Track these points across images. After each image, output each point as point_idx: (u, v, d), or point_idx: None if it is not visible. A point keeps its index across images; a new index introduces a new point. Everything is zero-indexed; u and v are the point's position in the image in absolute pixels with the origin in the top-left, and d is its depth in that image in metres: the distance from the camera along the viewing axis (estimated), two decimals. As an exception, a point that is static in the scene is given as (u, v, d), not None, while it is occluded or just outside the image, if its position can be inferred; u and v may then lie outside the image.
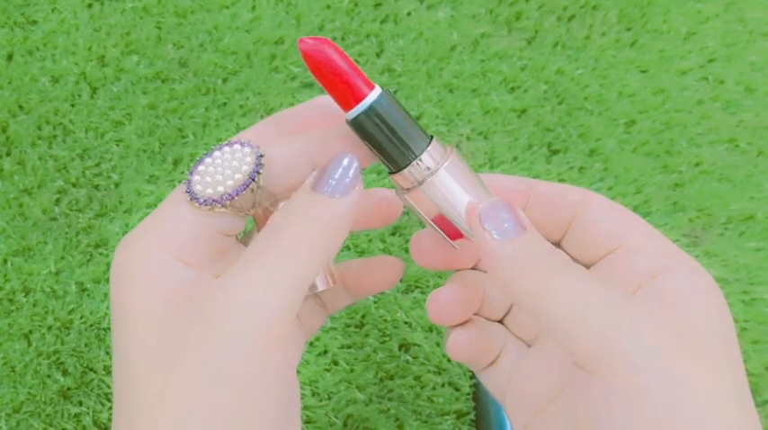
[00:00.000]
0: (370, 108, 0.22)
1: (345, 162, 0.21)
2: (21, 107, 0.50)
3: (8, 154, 0.49)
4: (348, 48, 0.53)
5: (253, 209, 0.23)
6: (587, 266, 0.23)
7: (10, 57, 0.52)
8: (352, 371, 0.44)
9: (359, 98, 0.22)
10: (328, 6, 0.54)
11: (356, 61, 0.53)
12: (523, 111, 0.52)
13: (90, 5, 0.54)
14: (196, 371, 0.19)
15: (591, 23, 0.55)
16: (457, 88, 0.52)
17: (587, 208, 0.24)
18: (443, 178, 0.22)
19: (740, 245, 0.49)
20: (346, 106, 0.22)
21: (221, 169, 0.22)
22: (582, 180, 0.50)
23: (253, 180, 0.21)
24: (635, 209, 0.50)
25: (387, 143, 0.22)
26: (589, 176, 0.50)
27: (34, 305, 0.45)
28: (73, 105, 0.51)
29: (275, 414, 0.20)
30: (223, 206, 0.22)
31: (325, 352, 0.44)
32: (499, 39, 0.54)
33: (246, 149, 0.22)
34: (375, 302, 0.45)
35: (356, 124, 0.22)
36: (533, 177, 0.50)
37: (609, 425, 0.19)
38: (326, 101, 0.23)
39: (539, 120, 0.52)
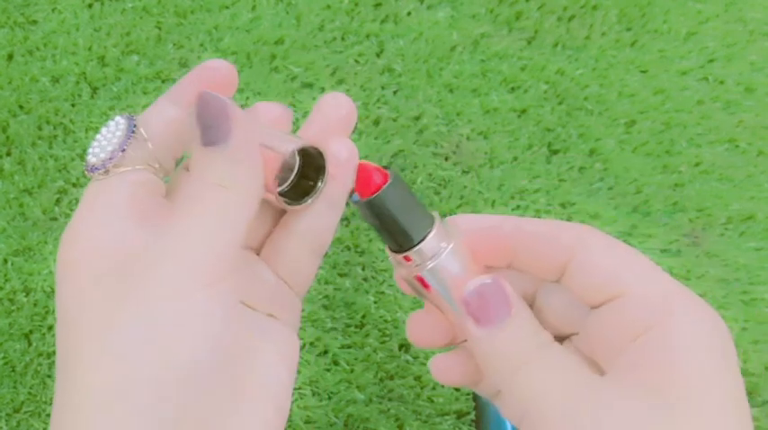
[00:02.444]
0: (381, 193, 0.23)
1: (209, 99, 0.22)
2: (21, 107, 0.50)
3: (8, 154, 0.49)
4: (348, 48, 0.53)
5: (157, 163, 0.25)
6: (592, 306, 0.23)
7: (10, 57, 0.52)
8: (352, 371, 0.44)
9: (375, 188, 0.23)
10: (328, 6, 0.54)
11: (356, 61, 0.53)
12: (523, 111, 0.52)
13: (90, 5, 0.54)
14: (136, 309, 0.20)
15: (591, 23, 0.55)
16: (457, 88, 0.52)
17: (583, 250, 0.23)
18: (445, 263, 0.23)
19: (740, 245, 0.49)
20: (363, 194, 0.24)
21: (103, 139, 0.25)
22: (582, 180, 0.50)
23: (132, 131, 0.24)
24: (635, 209, 0.50)
25: (395, 224, 0.23)
26: (589, 176, 0.50)
27: (34, 305, 0.45)
28: (73, 105, 0.51)
29: (226, 340, 0.21)
30: (120, 161, 0.24)
31: (326, 352, 0.44)
32: (499, 39, 0.54)
33: (118, 119, 0.25)
34: (375, 302, 0.45)
35: (368, 205, 0.23)
36: (533, 177, 0.50)
37: None
38: (211, 64, 0.25)
39: (539, 121, 0.52)
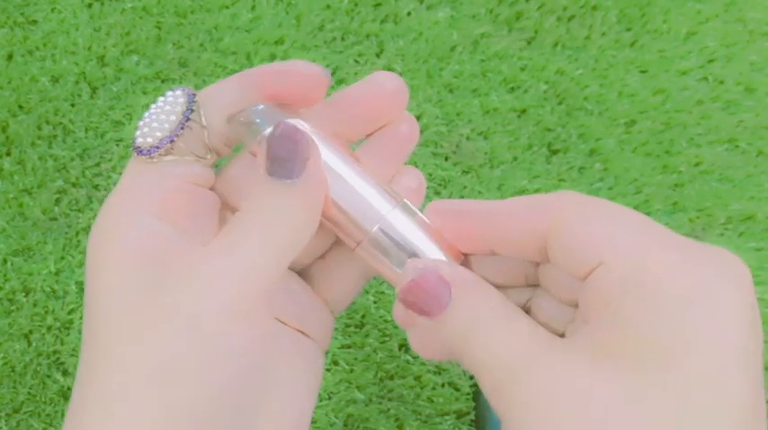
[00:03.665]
0: None
1: (289, 133, 0.21)
2: (21, 107, 0.50)
3: (8, 154, 0.49)
4: (348, 48, 0.53)
5: (209, 154, 0.23)
6: (580, 280, 0.21)
7: (10, 57, 0.52)
8: (352, 371, 0.44)
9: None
10: (328, 6, 0.54)
11: (356, 61, 0.53)
12: (523, 111, 0.52)
13: (90, 5, 0.54)
14: (162, 332, 0.19)
15: (591, 23, 0.55)
16: (457, 88, 0.52)
17: (559, 224, 0.21)
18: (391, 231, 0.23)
19: (740, 245, 0.49)
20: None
21: (156, 117, 0.22)
22: (582, 180, 0.50)
23: (188, 118, 0.22)
24: (635, 209, 0.50)
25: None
26: (589, 176, 0.50)
27: (34, 305, 0.45)
28: (73, 105, 0.50)
29: (235, 376, 0.20)
30: (167, 152, 0.22)
31: (325, 352, 0.44)
32: (499, 39, 0.54)
33: (178, 92, 0.23)
34: (375, 302, 0.45)
35: None
36: (533, 177, 0.50)
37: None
38: (304, 68, 0.23)
39: (539, 121, 0.52)
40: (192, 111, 0.22)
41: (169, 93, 0.23)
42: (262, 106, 0.22)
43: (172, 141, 0.22)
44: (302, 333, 0.25)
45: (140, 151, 0.22)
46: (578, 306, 0.22)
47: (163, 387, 0.19)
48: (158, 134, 0.22)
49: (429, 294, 0.21)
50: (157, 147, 0.22)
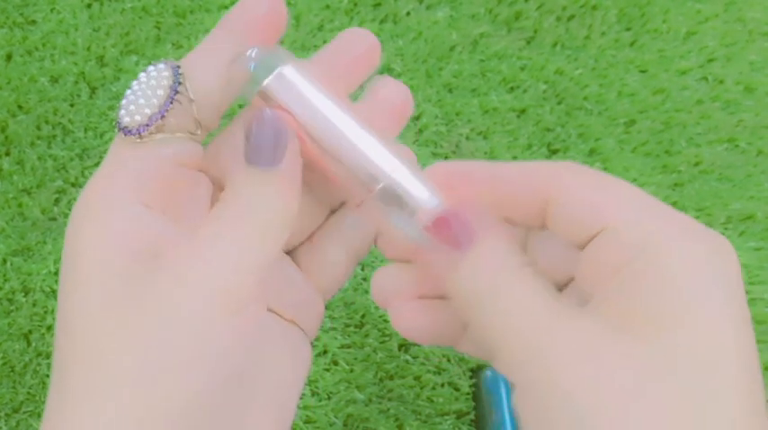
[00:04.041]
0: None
1: (268, 120, 0.20)
2: (20, 107, 0.50)
3: (7, 154, 0.49)
4: (347, 47, 0.53)
5: (199, 129, 0.22)
6: (579, 247, 0.21)
7: (9, 57, 0.52)
8: (351, 371, 0.44)
9: None
10: (327, 6, 0.54)
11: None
12: (523, 110, 0.52)
13: (89, 5, 0.54)
14: (149, 327, 0.19)
15: (590, 23, 0.55)
16: (456, 88, 0.52)
17: (560, 188, 0.21)
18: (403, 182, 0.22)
19: (740, 245, 0.49)
20: None
21: (141, 93, 0.21)
22: (581, 180, 0.50)
23: (176, 91, 0.21)
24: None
25: None
26: (589, 176, 0.50)
27: (34, 305, 0.45)
28: (72, 105, 0.50)
29: (227, 370, 0.20)
30: (158, 129, 0.21)
31: (325, 352, 0.44)
32: (498, 39, 0.54)
33: (161, 66, 0.21)
34: (375, 302, 0.45)
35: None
36: (533, 177, 0.50)
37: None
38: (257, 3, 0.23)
39: (538, 120, 0.52)
40: (180, 83, 0.21)
41: (151, 67, 0.21)
42: (255, 50, 0.22)
43: (162, 117, 0.20)
44: (293, 322, 0.24)
45: (128, 131, 0.20)
46: (576, 278, 0.21)
47: (145, 385, 0.18)
48: (147, 111, 0.20)
49: (464, 224, 0.21)
50: (147, 125, 0.20)
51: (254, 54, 0.22)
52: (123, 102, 0.21)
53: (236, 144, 0.21)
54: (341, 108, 0.22)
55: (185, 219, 0.21)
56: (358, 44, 0.24)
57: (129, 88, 0.21)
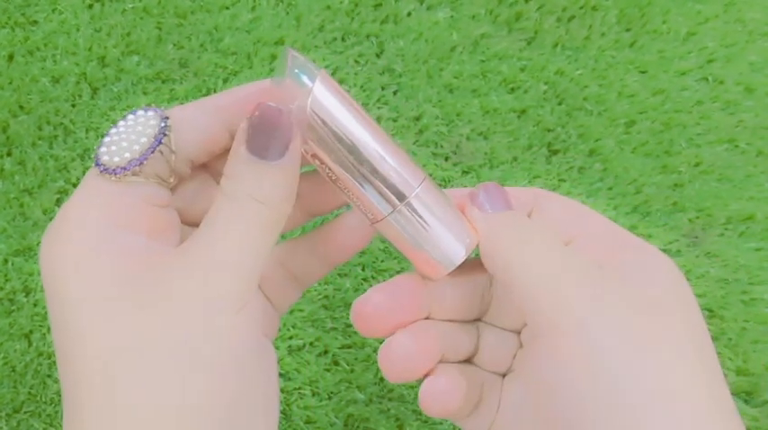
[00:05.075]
0: None
1: (273, 111, 0.20)
2: (21, 107, 0.50)
3: (9, 154, 0.49)
4: (348, 48, 0.53)
5: (172, 177, 0.22)
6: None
7: (11, 57, 0.52)
8: (352, 371, 0.44)
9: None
10: (328, 7, 0.54)
11: (356, 62, 0.53)
12: (523, 111, 0.52)
13: (90, 6, 0.54)
14: (159, 331, 0.19)
15: (590, 24, 0.55)
16: (457, 88, 0.53)
17: (540, 205, 0.25)
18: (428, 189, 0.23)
19: (740, 245, 0.49)
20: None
21: (126, 136, 0.21)
22: (582, 180, 0.50)
23: (160, 142, 0.21)
24: (634, 209, 0.50)
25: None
26: (589, 176, 0.51)
27: (35, 305, 0.45)
28: (73, 105, 0.51)
29: (244, 369, 0.20)
30: (134, 174, 0.21)
31: (325, 352, 0.44)
32: (499, 39, 0.54)
33: (150, 113, 0.21)
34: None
35: None
36: (533, 178, 0.50)
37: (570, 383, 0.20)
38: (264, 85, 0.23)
39: (538, 121, 0.52)
40: (165, 135, 0.21)
41: (140, 112, 0.22)
42: (293, 54, 0.21)
43: (141, 164, 0.21)
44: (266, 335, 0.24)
45: (105, 169, 0.21)
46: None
47: (151, 388, 0.18)
48: (127, 155, 0.21)
49: (498, 196, 0.24)
50: (125, 169, 0.20)
51: (293, 54, 0.22)
52: (106, 139, 0.21)
53: (207, 178, 0.22)
54: (369, 122, 0.22)
55: (159, 240, 0.21)
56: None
57: (115, 126, 0.21)
